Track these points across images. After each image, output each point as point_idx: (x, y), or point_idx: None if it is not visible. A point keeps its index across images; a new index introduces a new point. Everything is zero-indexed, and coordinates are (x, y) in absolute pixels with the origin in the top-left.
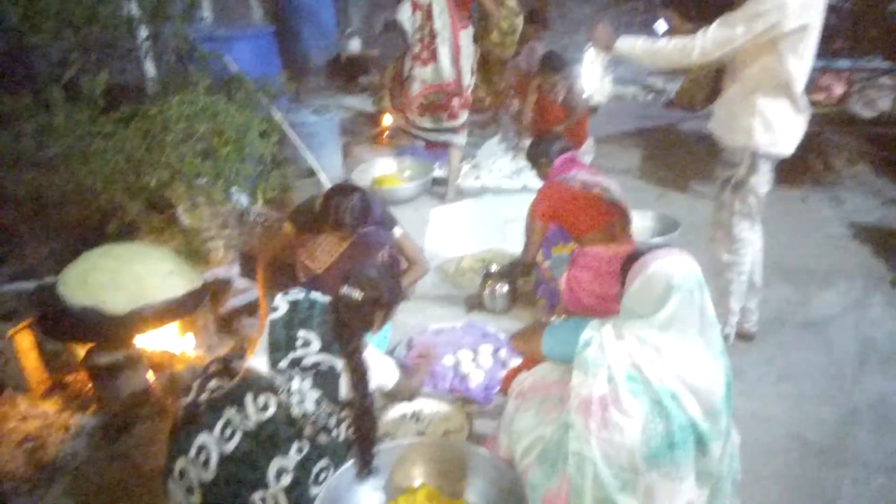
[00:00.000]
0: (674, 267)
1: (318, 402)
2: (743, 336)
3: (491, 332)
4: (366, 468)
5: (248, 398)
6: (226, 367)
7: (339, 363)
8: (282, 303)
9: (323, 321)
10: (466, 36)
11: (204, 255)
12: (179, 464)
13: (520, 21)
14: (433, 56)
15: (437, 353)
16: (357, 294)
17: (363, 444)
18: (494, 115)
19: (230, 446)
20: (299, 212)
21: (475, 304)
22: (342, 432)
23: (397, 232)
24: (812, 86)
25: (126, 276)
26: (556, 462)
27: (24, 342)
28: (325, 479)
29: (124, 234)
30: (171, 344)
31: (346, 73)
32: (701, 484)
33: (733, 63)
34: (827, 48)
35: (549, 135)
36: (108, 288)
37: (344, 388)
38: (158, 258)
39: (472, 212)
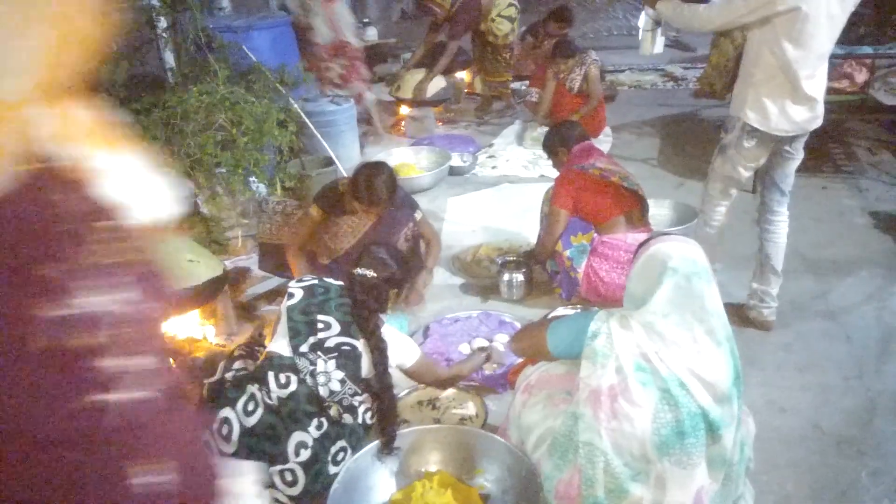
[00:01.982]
0: (672, 250)
1: (342, 382)
2: (762, 325)
3: (507, 321)
4: (387, 446)
5: (270, 376)
6: (249, 352)
7: (360, 343)
8: (297, 289)
9: (340, 304)
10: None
11: (223, 243)
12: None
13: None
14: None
15: (452, 341)
16: (370, 274)
17: (384, 421)
18: (509, 104)
19: (252, 420)
20: (325, 194)
21: (491, 292)
22: (363, 415)
23: (418, 215)
24: (834, 73)
25: None
26: (566, 453)
27: None
28: (342, 459)
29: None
30: (192, 330)
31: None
32: (713, 471)
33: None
34: (850, 35)
35: (565, 123)
36: None
37: (365, 368)
38: (180, 246)
39: (489, 201)
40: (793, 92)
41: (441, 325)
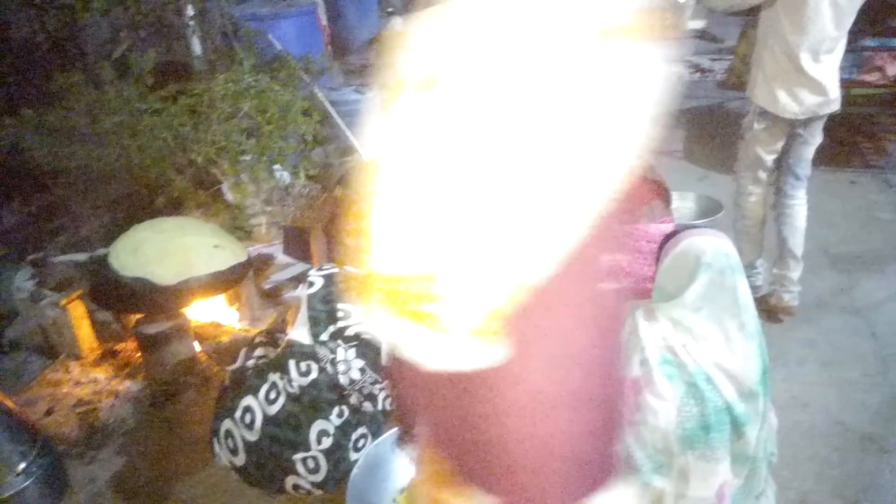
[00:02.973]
0: (705, 244)
1: (362, 371)
2: (783, 311)
3: None
4: (408, 434)
5: (291, 364)
6: (271, 339)
7: None
8: (317, 278)
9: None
10: None
11: (248, 231)
12: (225, 425)
13: None
14: None
15: None
16: None
17: (401, 411)
18: None
19: (274, 408)
20: (350, 176)
21: None
22: (383, 402)
23: None
24: (864, 65)
25: (174, 249)
26: None
27: (77, 311)
28: (363, 446)
29: (172, 208)
30: (217, 315)
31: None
32: (736, 467)
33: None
34: (882, 27)
35: None
36: (157, 260)
37: (385, 354)
38: (205, 232)
39: None
40: (798, 75)
41: None
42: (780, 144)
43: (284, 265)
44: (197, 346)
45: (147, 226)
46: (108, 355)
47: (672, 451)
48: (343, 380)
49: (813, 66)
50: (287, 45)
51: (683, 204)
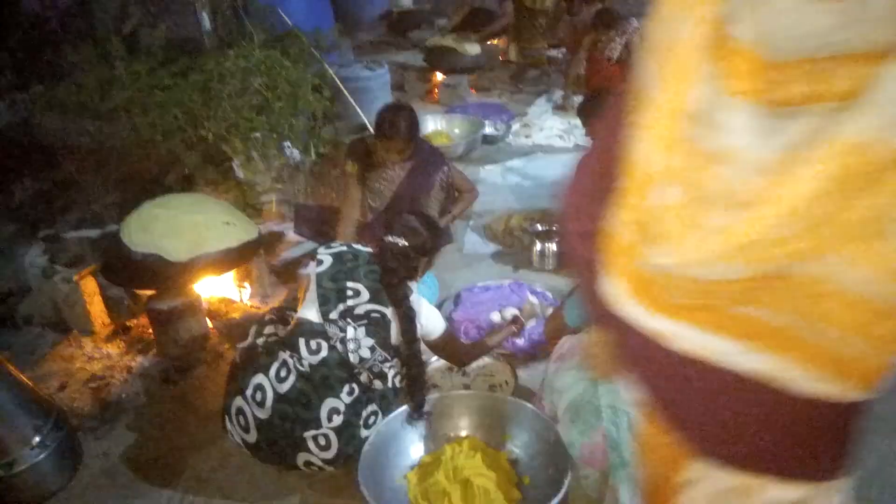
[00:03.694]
0: None
1: (372, 349)
2: None
3: (538, 291)
4: (417, 411)
5: (301, 342)
6: (280, 317)
7: (389, 311)
8: (326, 256)
9: (369, 271)
10: None
11: (258, 208)
12: (236, 403)
13: None
14: None
15: (483, 309)
16: (401, 242)
17: (413, 386)
18: (545, 72)
19: (285, 386)
20: (354, 147)
21: (523, 262)
22: (393, 379)
23: (450, 168)
24: None
25: (186, 226)
26: (589, 418)
27: (90, 287)
28: (374, 423)
29: (182, 185)
30: (228, 292)
31: (398, 28)
32: None
33: None
34: None
35: (602, 93)
36: (169, 236)
37: (394, 335)
38: (216, 209)
39: (523, 171)
40: None
41: (472, 292)
42: None
43: (295, 243)
44: (209, 323)
45: (158, 202)
46: (120, 331)
47: None
48: (353, 358)
49: None
50: (297, 21)
51: None
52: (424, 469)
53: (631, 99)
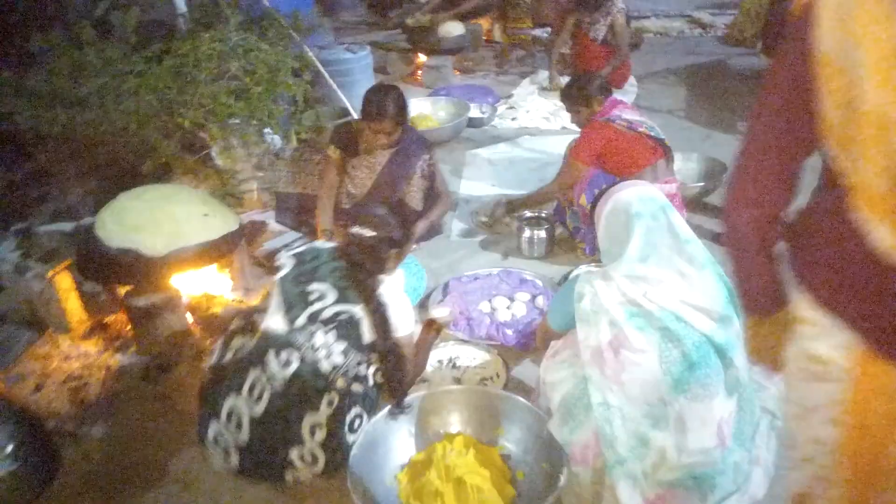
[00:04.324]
0: (630, 195)
1: (345, 353)
2: None
3: (528, 279)
4: (399, 406)
5: (270, 356)
6: (248, 324)
7: (357, 309)
8: (287, 259)
9: (333, 269)
10: None
11: (239, 197)
12: (213, 428)
13: None
14: None
15: (472, 299)
16: (367, 233)
17: (393, 381)
18: (530, 52)
19: (260, 408)
20: (338, 133)
21: (512, 249)
22: (374, 377)
23: (433, 156)
24: None
25: (163, 218)
26: (579, 416)
27: (65, 283)
28: (359, 426)
29: (159, 174)
30: (209, 286)
31: (378, 7)
32: (728, 395)
33: None
34: None
35: (586, 76)
36: (145, 229)
37: (367, 333)
38: (194, 200)
39: (509, 154)
40: None
41: (460, 282)
42: None
43: (278, 232)
44: (189, 318)
45: (134, 194)
46: (97, 328)
47: (665, 401)
48: (325, 366)
49: None
50: (275, 3)
51: (687, 165)
52: (415, 468)
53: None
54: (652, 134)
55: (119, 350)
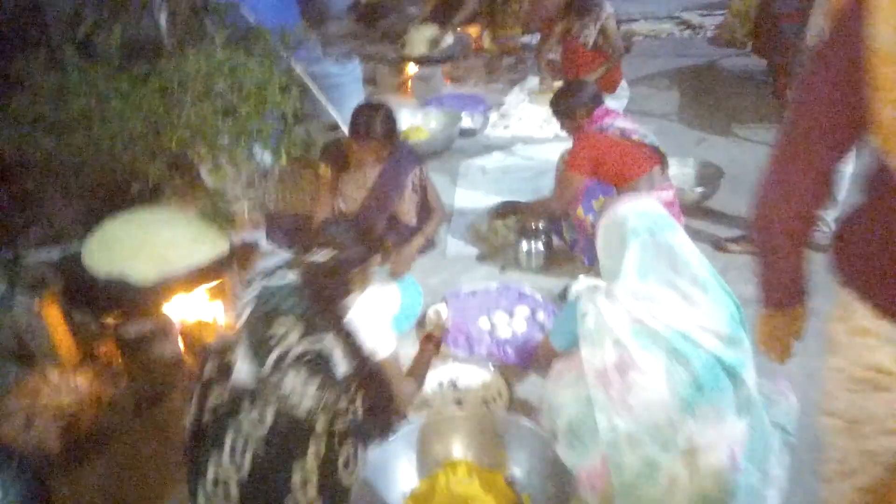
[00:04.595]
0: (627, 211)
1: (319, 392)
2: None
3: (527, 293)
4: (386, 434)
5: (243, 416)
6: (222, 368)
7: (327, 341)
8: (247, 301)
9: (293, 305)
10: None
11: (229, 217)
12: (201, 494)
13: None
14: None
15: (471, 315)
16: (322, 257)
17: (377, 409)
18: (520, 59)
19: (245, 468)
20: (328, 149)
21: (509, 263)
22: (357, 411)
23: (424, 171)
24: None
25: (151, 244)
26: (586, 440)
27: (53, 314)
28: (355, 462)
29: (148, 196)
30: (201, 311)
31: (367, 18)
32: (739, 415)
33: None
34: None
35: (576, 84)
36: (133, 257)
37: (341, 364)
38: (183, 224)
39: (503, 163)
40: None
41: (458, 298)
42: None
43: (270, 252)
44: (181, 345)
45: (120, 221)
46: (88, 359)
47: (674, 424)
48: (300, 412)
49: None
50: (261, 18)
51: (683, 170)
52: (417, 500)
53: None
54: (646, 142)
55: (111, 381)
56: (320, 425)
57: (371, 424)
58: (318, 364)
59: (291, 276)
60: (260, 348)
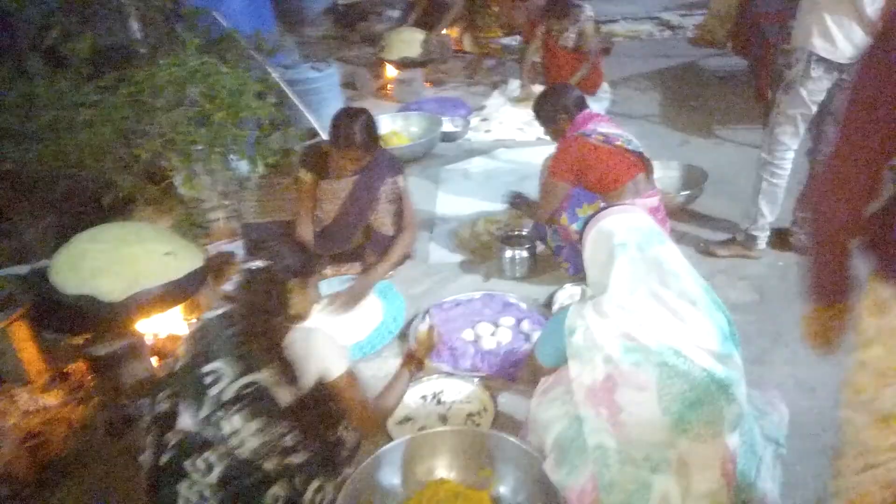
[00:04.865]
0: (614, 224)
1: (262, 432)
2: (798, 248)
3: (512, 302)
4: (353, 458)
5: (188, 466)
6: (174, 406)
7: (264, 373)
8: (183, 344)
9: (225, 340)
10: None
11: (205, 227)
12: None
13: None
14: None
15: (455, 327)
16: (256, 265)
17: (333, 434)
18: (501, 61)
19: None
20: (308, 155)
21: (493, 271)
22: (309, 445)
23: (400, 181)
24: None
25: (121, 260)
26: (575, 459)
27: (21, 332)
28: (323, 494)
29: (121, 207)
30: (175, 328)
31: (345, 21)
32: (731, 431)
33: None
34: None
35: (558, 88)
36: (103, 274)
37: (283, 395)
38: (155, 238)
39: (486, 168)
40: (857, 17)
41: (442, 309)
42: (825, 93)
43: (247, 262)
44: (155, 363)
45: (89, 236)
46: (58, 378)
47: (666, 442)
48: (245, 454)
49: (872, 8)
50: (235, 23)
51: (667, 173)
52: None
53: None
54: (630, 147)
55: (82, 402)
56: (271, 464)
57: (334, 450)
58: (256, 401)
59: (220, 313)
60: (197, 389)
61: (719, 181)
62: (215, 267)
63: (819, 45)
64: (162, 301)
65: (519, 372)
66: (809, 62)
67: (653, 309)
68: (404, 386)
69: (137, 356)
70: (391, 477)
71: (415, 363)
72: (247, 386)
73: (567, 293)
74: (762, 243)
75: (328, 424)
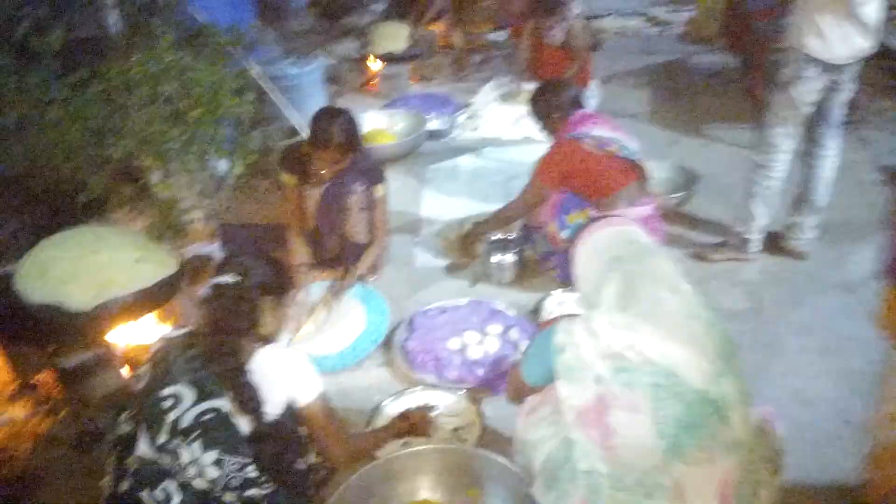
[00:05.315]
0: (608, 238)
1: (218, 463)
2: (792, 253)
3: (499, 310)
4: (322, 488)
5: (148, 500)
6: (135, 425)
7: (224, 399)
8: (149, 357)
9: (188, 359)
10: None
11: (182, 228)
12: None
13: None
14: None
15: (440, 336)
16: (225, 280)
17: (294, 470)
18: (488, 57)
19: None
20: (288, 155)
21: (480, 275)
22: (269, 478)
23: (380, 190)
24: None
25: (88, 268)
26: (564, 484)
27: None
28: None
29: (94, 208)
30: (148, 336)
31: (328, 14)
32: (730, 458)
33: None
34: None
35: (554, 84)
36: (70, 281)
37: (243, 423)
38: (125, 243)
39: (473, 167)
40: (851, 18)
41: (427, 316)
42: (820, 94)
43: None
44: (127, 374)
45: (56, 241)
46: (25, 389)
47: (660, 467)
48: (201, 484)
49: (864, 9)
50: (214, 16)
51: (659, 175)
52: None
53: None
54: (623, 154)
55: (50, 414)
56: (230, 497)
57: (305, 479)
58: (216, 428)
59: (182, 333)
60: (155, 413)
61: (711, 182)
62: (191, 271)
63: (812, 46)
64: (133, 309)
65: (505, 388)
66: (801, 63)
67: (647, 326)
68: (387, 439)
69: (107, 367)
70: (372, 495)
71: (406, 426)
72: (207, 412)
73: (555, 300)
74: (756, 247)
75: (298, 452)
